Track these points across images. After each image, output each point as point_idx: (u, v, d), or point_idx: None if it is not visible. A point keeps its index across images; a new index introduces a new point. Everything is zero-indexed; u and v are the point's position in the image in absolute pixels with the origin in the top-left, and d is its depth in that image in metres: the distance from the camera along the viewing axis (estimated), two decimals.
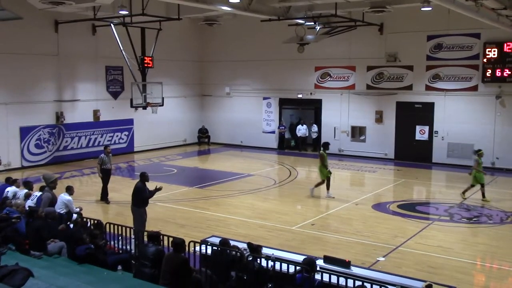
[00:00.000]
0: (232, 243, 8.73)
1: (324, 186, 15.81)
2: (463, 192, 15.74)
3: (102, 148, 22.91)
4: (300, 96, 25.27)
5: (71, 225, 9.93)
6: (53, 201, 10.87)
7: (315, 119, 25.72)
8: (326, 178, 15.74)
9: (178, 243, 7.73)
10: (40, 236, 8.83)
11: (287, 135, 26.47)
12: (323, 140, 24.51)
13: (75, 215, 10.71)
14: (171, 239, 8.24)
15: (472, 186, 15.59)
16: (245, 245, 8.97)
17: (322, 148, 15.99)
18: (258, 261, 7.88)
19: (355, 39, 22.95)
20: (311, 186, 16.17)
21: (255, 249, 8.13)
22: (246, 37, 25.81)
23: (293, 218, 13.63)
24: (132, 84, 21.20)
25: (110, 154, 15.58)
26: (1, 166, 18.98)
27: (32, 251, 8.43)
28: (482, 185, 15.50)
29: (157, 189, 11.38)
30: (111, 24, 20.31)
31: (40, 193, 11.13)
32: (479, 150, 16.13)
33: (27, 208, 10.41)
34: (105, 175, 15.34)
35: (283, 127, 25.88)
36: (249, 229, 12.56)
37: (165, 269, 7.54)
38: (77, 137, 22.23)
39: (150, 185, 11.57)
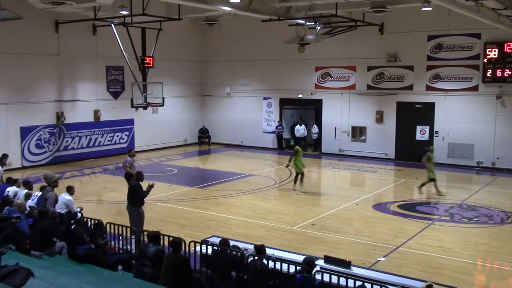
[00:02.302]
0: (232, 243, 8.73)
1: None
2: (438, 191, 16.30)
3: (102, 148, 23.20)
4: (300, 96, 25.27)
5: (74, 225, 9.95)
6: (56, 200, 10.90)
7: (315, 119, 25.69)
8: (301, 172, 16.61)
9: (176, 242, 7.77)
10: (47, 236, 8.81)
11: (285, 135, 26.47)
12: (323, 140, 24.69)
13: (79, 214, 10.72)
14: (171, 239, 8.25)
15: (433, 180, 16.41)
16: (245, 245, 9.00)
17: (295, 145, 16.92)
18: (263, 261, 7.87)
19: (356, 39, 22.94)
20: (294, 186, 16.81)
21: (261, 250, 8.13)
22: (246, 37, 25.82)
23: (293, 218, 13.63)
24: (133, 84, 21.19)
25: (134, 157, 15.74)
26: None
27: (32, 251, 8.42)
28: (433, 180, 16.43)
29: (151, 187, 11.32)
30: (112, 24, 20.31)
31: (40, 193, 11.13)
32: (430, 145, 16.94)
33: (28, 208, 10.43)
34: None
35: (281, 127, 25.87)
36: (249, 229, 12.56)
37: (165, 269, 7.55)
38: (78, 137, 22.23)
39: (144, 184, 11.54)
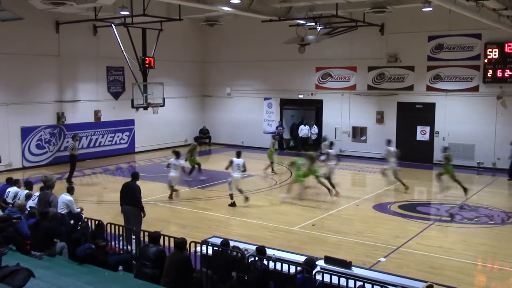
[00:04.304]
0: (232, 243, 8.74)
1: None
2: (266, 169, 19.46)
3: (103, 148, 23.23)
4: (301, 96, 25.27)
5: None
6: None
7: (316, 119, 25.72)
8: (193, 165, 18.34)
9: (181, 242, 7.84)
10: (48, 237, 8.82)
11: (285, 136, 26.48)
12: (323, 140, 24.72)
13: (83, 215, 10.75)
14: (172, 239, 8.25)
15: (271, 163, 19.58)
16: (245, 246, 9.00)
17: (194, 140, 18.62)
18: (264, 262, 7.88)
19: (356, 40, 22.95)
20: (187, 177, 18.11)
21: (262, 251, 8.14)
22: (247, 38, 25.83)
23: (293, 218, 13.62)
24: (133, 85, 21.21)
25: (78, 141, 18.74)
26: (2, 166, 19.05)
27: (33, 251, 8.43)
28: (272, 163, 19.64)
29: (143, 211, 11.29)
30: (112, 25, 20.32)
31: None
32: (276, 135, 20.13)
33: (29, 209, 10.43)
34: (75, 161, 17.94)
35: (281, 128, 25.88)
36: (250, 230, 12.56)
37: (168, 268, 7.58)
38: (78, 137, 22.18)
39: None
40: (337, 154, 17.96)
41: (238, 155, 15.04)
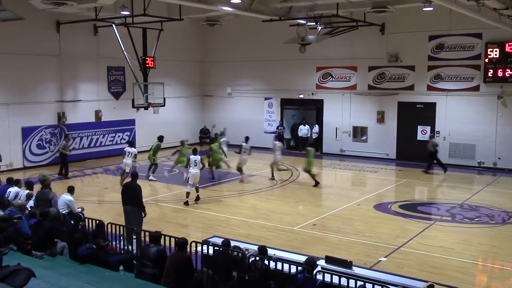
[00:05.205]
0: (233, 243, 8.73)
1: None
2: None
3: (103, 148, 23.24)
4: (301, 96, 25.27)
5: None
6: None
7: (316, 119, 25.70)
8: (154, 163, 18.74)
9: (182, 241, 7.85)
10: (49, 237, 8.82)
11: (286, 136, 26.47)
12: (324, 140, 24.70)
13: (82, 215, 10.76)
14: (172, 239, 8.25)
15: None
16: (246, 245, 8.99)
17: (158, 140, 19.13)
18: (265, 262, 7.88)
19: (357, 39, 22.94)
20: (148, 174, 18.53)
21: (263, 251, 8.14)
22: (247, 38, 25.83)
23: (294, 218, 13.63)
24: (134, 85, 21.21)
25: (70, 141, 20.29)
26: (3, 166, 19.06)
27: (34, 251, 8.43)
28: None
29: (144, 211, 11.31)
30: (113, 25, 20.33)
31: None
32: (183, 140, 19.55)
33: (29, 209, 10.43)
34: (65, 158, 18.99)
35: (281, 128, 25.88)
36: (250, 229, 12.56)
37: (169, 267, 7.58)
38: (79, 137, 22.25)
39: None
40: (251, 147, 19.36)
41: (195, 152, 15.47)
